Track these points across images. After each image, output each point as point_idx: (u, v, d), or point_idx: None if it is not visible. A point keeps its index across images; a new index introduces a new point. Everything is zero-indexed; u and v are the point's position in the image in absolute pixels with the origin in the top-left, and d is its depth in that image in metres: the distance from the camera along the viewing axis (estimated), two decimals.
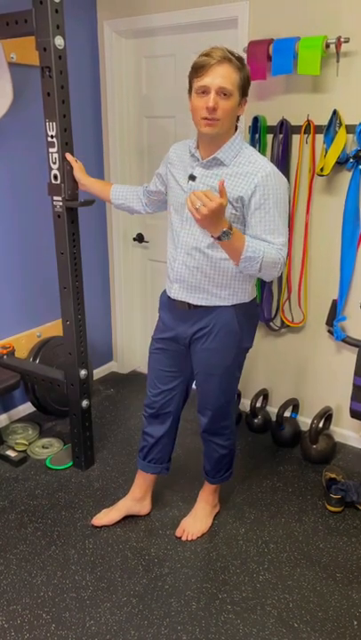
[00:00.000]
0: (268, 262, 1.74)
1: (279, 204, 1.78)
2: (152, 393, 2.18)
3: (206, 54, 1.70)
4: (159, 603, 1.95)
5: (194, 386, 2.15)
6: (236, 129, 1.84)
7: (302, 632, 1.84)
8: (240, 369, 2.10)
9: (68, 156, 2.19)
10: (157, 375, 2.15)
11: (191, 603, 1.95)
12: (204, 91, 1.70)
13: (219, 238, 1.64)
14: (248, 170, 1.78)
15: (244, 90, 1.76)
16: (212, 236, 1.66)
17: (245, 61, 1.77)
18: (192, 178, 1.85)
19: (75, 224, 2.31)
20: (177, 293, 1.97)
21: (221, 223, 1.61)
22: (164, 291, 2.09)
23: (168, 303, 2.05)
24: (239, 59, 1.73)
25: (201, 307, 1.94)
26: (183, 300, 1.96)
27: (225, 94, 1.70)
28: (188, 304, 1.96)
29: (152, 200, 2.18)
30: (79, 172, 2.21)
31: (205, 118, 1.72)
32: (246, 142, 1.94)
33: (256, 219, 1.78)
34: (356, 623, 1.87)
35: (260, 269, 1.75)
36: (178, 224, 1.92)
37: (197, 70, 1.71)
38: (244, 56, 2.48)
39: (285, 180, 1.83)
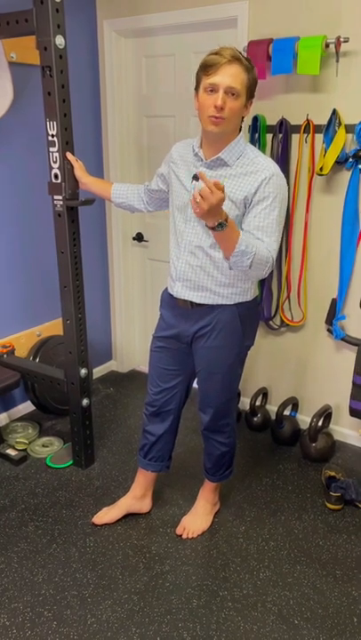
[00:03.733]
0: (258, 259, 1.73)
1: (278, 206, 1.79)
2: (153, 391, 2.19)
3: (216, 53, 1.71)
4: (160, 600, 1.96)
5: (195, 384, 2.16)
6: (240, 129, 1.85)
7: (302, 629, 1.85)
8: (241, 367, 2.11)
9: (69, 155, 2.19)
10: (158, 373, 2.16)
11: (192, 600, 1.96)
12: (213, 89, 1.71)
13: (213, 228, 1.63)
14: (252, 169, 1.79)
15: (251, 91, 1.77)
16: (206, 226, 1.65)
17: (252, 63, 1.78)
18: (196, 178, 1.86)
19: (75, 223, 2.31)
20: (179, 292, 1.98)
21: (218, 215, 1.60)
22: (166, 289, 2.10)
23: (170, 301, 2.06)
24: (248, 59, 1.74)
25: (203, 305, 1.95)
26: (186, 298, 1.97)
27: (233, 94, 1.71)
28: (191, 302, 1.96)
29: (153, 198, 2.18)
30: (80, 171, 2.22)
31: (212, 116, 1.73)
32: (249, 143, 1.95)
33: (251, 214, 1.79)
34: (356, 620, 1.88)
35: (251, 266, 1.73)
36: (181, 223, 1.93)
37: (207, 69, 1.71)
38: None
39: (286, 183, 1.85)
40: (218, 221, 1.61)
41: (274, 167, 1.80)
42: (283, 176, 1.82)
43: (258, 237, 1.79)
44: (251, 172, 1.79)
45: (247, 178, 1.79)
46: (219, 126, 1.75)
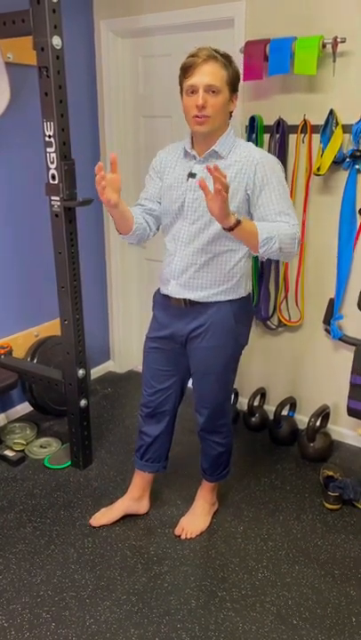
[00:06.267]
0: (284, 238, 1.73)
1: (281, 183, 1.83)
2: (148, 392, 2.18)
3: (193, 54, 1.75)
4: (159, 601, 1.95)
5: (190, 385, 2.16)
6: (228, 125, 1.87)
7: (301, 629, 1.85)
8: (236, 366, 2.11)
9: (101, 170, 1.70)
10: (153, 374, 2.15)
11: (190, 600, 1.96)
12: (193, 90, 1.75)
13: (232, 229, 1.63)
14: (245, 155, 1.83)
15: (233, 86, 1.80)
16: (227, 229, 1.64)
17: (232, 58, 1.81)
18: (192, 175, 1.86)
19: (72, 223, 2.31)
20: (174, 290, 1.97)
21: (230, 215, 1.62)
22: (158, 289, 2.10)
23: (163, 302, 2.05)
24: (225, 56, 1.77)
25: (197, 303, 1.95)
26: (180, 296, 1.96)
27: (213, 91, 1.74)
28: (185, 301, 1.96)
29: (156, 217, 2.04)
30: (116, 193, 1.77)
31: (196, 116, 1.76)
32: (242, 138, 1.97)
33: (260, 203, 1.81)
34: (354, 620, 1.88)
35: (281, 248, 1.73)
36: (177, 222, 1.93)
37: (185, 71, 1.76)
38: (240, 55, 2.49)
39: (278, 161, 1.88)
40: (234, 219, 1.61)
41: (263, 153, 1.85)
42: (275, 157, 1.88)
43: (276, 220, 1.79)
44: (244, 159, 1.82)
45: (242, 165, 1.81)
46: (204, 125, 1.78)
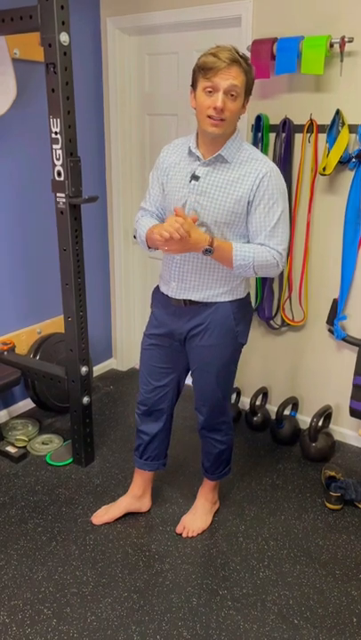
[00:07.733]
0: (260, 265, 1.82)
1: (276, 203, 1.81)
2: (145, 390, 2.18)
3: (214, 54, 1.70)
4: (160, 598, 1.96)
5: (190, 383, 2.15)
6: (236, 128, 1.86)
7: (302, 628, 1.85)
8: (236, 364, 2.11)
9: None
10: (150, 371, 2.15)
11: (192, 598, 1.96)
12: (212, 90, 1.71)
13: (208, 250, 1.77)
14: (250, 168, 1.81)
15: (249, 91, 1.79)
16: (203, 252, 1.79)
17: (250, 61, 1.79)
18: (195, 178, 1.85)
19: (78, 221, 2.31)
20: (175, 292, 1.97)
21: (198, 244, 1.75)
22: (157, 287, 2.09)
23: (163, 300, 2.05)
24: (246, 60, 1.74)
25: (198, 303, 1.95)
26: (181, 297, 1.96)
27: (233, 95, 1.72)
28: (185, 301, 1.96)
29: (163, 219, 2.06)
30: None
31: (211, 117, 1.73)
32: (247, 140, 1.95)
33: (253, 217, 1.83)
34: (355, 620, 1.89)
35: (256, 272, 1.84)
36: None
37: (206, 71, 1.71)
38: (247, 54, 2.48)
39: (282, 178, 1.86)
40: (203, 248, 1.76)
41: (270, 164, 1.82)
42: (280, 173, 1.85)
43: (260, 242, 1.84)
44: (249, 171, 1.80)
45: (246, 176, 1.80)
46: (219, 127, 1.76)
